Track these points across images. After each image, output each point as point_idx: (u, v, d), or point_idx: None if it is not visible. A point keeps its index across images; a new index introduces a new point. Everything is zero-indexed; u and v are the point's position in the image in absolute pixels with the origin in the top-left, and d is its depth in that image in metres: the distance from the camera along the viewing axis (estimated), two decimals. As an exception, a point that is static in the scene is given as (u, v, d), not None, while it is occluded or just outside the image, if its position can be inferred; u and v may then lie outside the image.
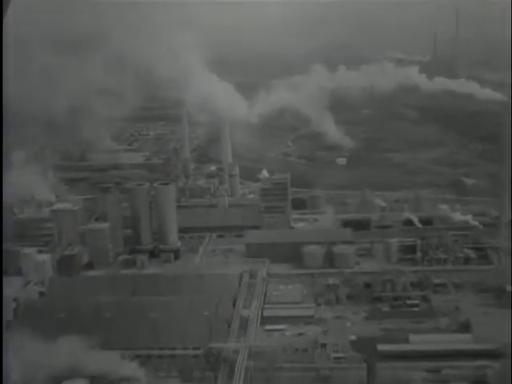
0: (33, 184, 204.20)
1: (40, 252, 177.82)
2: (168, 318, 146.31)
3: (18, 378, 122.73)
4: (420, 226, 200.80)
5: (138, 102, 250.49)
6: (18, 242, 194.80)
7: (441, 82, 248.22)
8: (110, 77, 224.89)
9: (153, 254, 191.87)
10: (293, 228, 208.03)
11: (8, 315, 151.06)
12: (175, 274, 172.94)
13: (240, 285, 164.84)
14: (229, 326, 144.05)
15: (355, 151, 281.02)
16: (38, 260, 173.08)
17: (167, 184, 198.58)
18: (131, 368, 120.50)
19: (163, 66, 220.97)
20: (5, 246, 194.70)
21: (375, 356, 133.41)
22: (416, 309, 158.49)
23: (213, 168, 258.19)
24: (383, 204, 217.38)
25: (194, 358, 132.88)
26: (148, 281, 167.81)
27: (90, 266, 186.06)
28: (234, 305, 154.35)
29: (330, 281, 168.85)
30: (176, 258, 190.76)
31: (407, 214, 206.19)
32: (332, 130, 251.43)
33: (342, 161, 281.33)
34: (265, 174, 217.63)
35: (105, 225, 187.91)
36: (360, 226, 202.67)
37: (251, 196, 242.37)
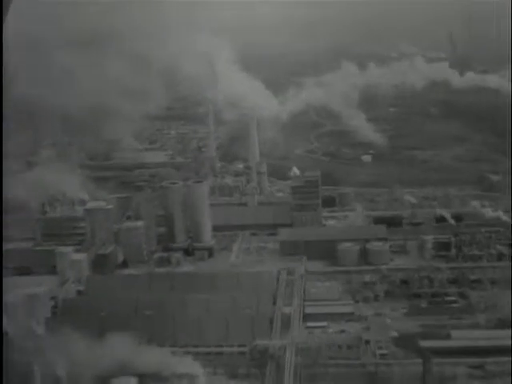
0: (64, 182, 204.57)
1: (76, 251, 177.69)
2: (209, 315, 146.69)
3: (65, 375, 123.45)
4: (453, 222, 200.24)
5: (162, 101, 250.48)
6: (49, 240, 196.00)
7: (472, 78, 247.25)
8: (133, 76, 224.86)
9: (187, 252, 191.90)
10: (324, 226, 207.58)
11: (46, 312, 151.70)
12: (213, 271, 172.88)
13: (278, 282, 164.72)
14: (271, 324, 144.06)
15: (380, 149, 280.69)
16: (74, 259, 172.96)
17: (200, 182, 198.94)
18: (187, 364, 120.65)
19: (188, 64, 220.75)
20: (36, 244, 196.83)
21: (418, 352, 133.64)
22: (455, 305, 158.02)
23: (240, 166, 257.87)
24: (413, 201, 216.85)
25: (239, 354, 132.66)
26: (186, 279, 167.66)
27: (124, 264, 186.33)
28: (274, 302, 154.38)
29: (367, 278, 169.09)
30: (210, 255, 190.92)
31: (440, 211, 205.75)
32: (364, 128, 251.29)
33: (367, 158, 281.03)
34: (295, 171, 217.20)
35: (139, 223, 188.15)
36: (391, 222, 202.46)
37: (279, 194, 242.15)
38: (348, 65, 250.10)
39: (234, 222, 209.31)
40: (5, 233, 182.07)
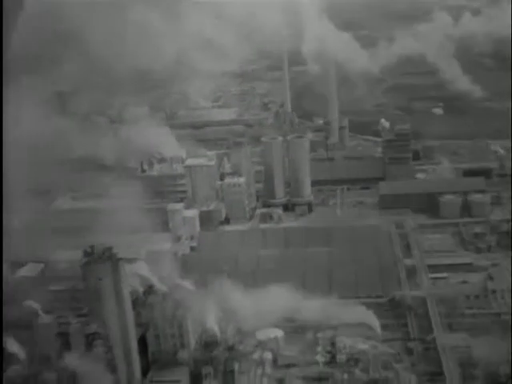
0: (158, 141, 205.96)
1: (187, 208, 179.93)
2: (334, 267, 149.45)
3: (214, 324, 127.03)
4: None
5: (240, 58, 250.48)
6: (150, 198, 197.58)
7: None
8: (211, 31, 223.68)
9: (286, 208, 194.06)
10: (415, 179, 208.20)
11: (169, 268, 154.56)
12: (325, 226, 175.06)
13: (391, 235, 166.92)
14: (397, 276, 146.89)
15: (450, 101, 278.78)
16: (186, 216, 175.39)
17: (301, 137, 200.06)
18: (361, 314, 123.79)
19: (271, 17, 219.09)
20: (139, 202, 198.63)
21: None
22: None
23: (320, 121, 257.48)
24: (502, 152, 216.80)
25: (377, 305, 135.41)
26: (298, 233, 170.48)
27: (226, 220, 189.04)
28: (393, 254, 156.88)
29: (477, 229, 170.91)
30: (310, 211, 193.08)
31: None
32: (460, 78, 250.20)
33: (438, 111, 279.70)
34: (384, 124, 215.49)
35: (241, 179, 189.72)
36: (481, 174, 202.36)
37: (359, 148, 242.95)
38: (441, 15, 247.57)
39: (323, 176, 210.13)
40: (103, 192, 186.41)
